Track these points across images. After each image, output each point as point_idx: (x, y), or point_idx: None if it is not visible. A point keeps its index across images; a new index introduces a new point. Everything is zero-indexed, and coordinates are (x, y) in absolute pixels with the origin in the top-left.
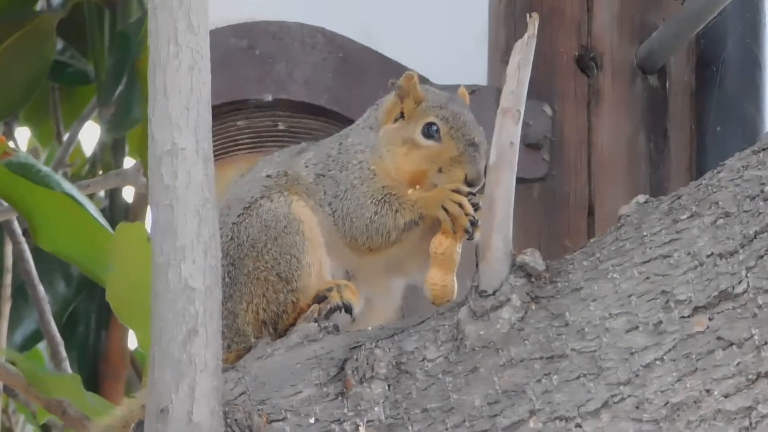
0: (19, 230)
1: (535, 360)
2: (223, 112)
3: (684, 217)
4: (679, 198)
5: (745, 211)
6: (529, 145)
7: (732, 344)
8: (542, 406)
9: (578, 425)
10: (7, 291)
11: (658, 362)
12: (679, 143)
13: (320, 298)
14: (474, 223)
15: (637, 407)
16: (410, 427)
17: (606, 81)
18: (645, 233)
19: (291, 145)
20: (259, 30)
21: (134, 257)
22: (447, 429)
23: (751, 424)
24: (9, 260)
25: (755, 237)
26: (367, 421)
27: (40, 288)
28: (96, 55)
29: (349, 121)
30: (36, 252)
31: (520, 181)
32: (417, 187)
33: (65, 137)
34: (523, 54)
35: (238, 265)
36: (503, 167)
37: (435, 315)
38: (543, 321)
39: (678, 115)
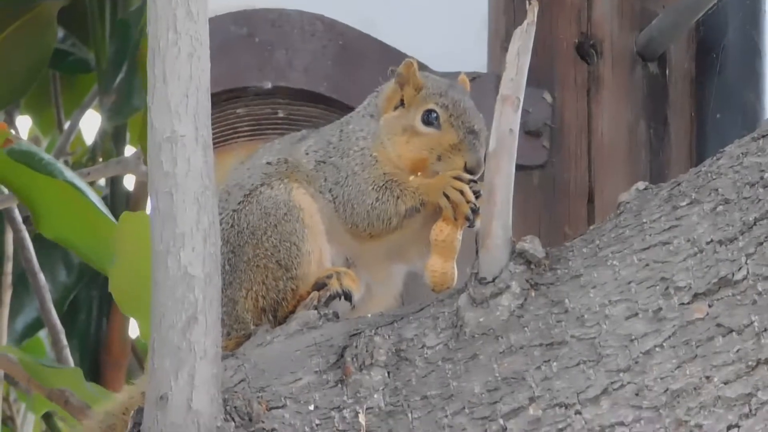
0: (19, 218)
1: (535, 347)
2: (222, 99)
3: (684, 203)
4: (678, 185)
5: (745, 198)
6: (528, 133)
7: (732, 331)
8: (542, 393)
9: (578, 412)
10: (8, 279)
11: (657, 349)
12: (679, 130)
13: (320, 286)
14: (475, 211)
15: (637, 394)
16: (410, 414)
17: (606, 68)
18: (645, 220)
19: (290, 132)
20: (259, 17)
21: (137, 247)
22: (447, 416)
23: (750, 410)
24: (10, 248)
25: (755, 224)
26: (367, 408)
27: (41, 276)
28: (97, 43)
29: (349, 109)
30: (37, 240)
31: (519, 168)
32: (418, 174)
33: (66, 125)
34: (523, 41)
35: (237, 252)
36: (503, 154)
37: (435, 302)
38: (542, 308)
39: (678, 102)
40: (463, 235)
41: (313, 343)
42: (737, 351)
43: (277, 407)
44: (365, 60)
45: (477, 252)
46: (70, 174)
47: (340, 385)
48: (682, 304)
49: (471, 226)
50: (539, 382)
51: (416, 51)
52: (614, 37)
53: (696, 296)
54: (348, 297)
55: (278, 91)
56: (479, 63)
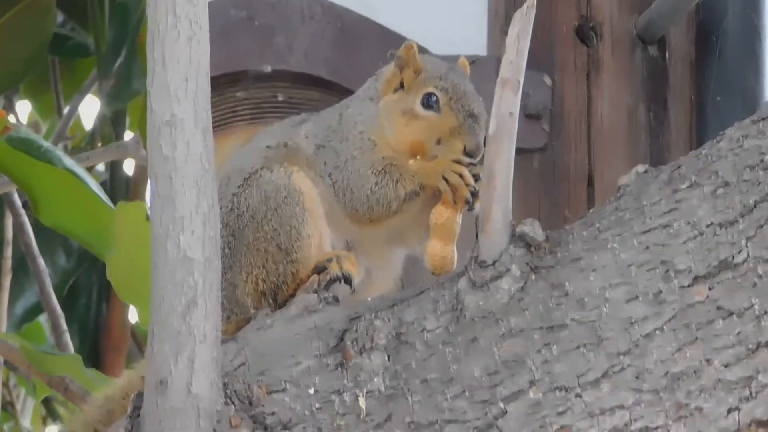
0: (19, 203)
1: (535, 330)
2: (222, 83)
3: (684, 186)
4: (678, 168)
5: (745, 181)
6: (528, 116)
7: (732, 314)
8: (542, 377)
9: (578, 395)
10: (8, 264)
11: (657, 332)
12: (679, 113)
13: (320, 269)
14: (474, 194)
15: (637, 377)
16: (410, 398)
17: (606, 51)
18: (644, 203)
19: (290, 116)
20: (258, 1)
21: (134, 236)
22: (447, 399)
23: (751, 393)
24: (9, 233)
25: (755, 206)
26: (367, 392)
27: (41, 261)
28: (96, 27)
29: (349, 92)
30: (36, 225)
31: (519, 151)
32: (417, 157)
33: (65, 110)
34: (523, 24)
35: (237, 236)
36: (503, 138)
37: (434, 286)
38: (542, 291)
39: (678, 85)
40: (462, 218)
41: (313, 327)
42: (737, 334)
43: (277, 391)
44: (364, 43)
45: (477, 235)
46: (69, 161)
47: (340, 369)
48: (683, 287)
49: (470, 209)
50: (539, 365)
51: (415, 34)
52: (614, 20)
53: (696, 279)
54: (348, 281)
55: (278, 75)
56: (479, 46)
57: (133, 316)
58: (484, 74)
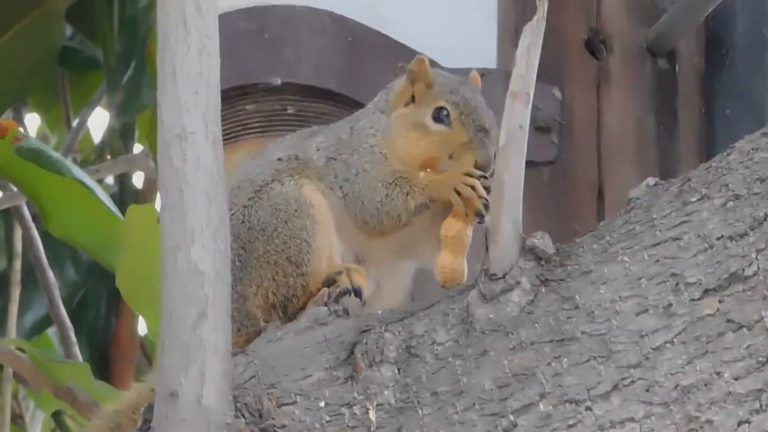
0: (28, 215)
1: (545, 343)
2: (232, 96)
3: (694, 199)
4: (688, 180)
5: (755, 194)
6: (538, 128)
7: (742, 326)
8: (552, 389)
9: (588, 408)
10: (17, 276)
11: (668, 345)
12: (689, 126)
13: (330, 282)
14: (487, 206)
15: (648, 390)
16: (420, 411)
17: (615, 64)
18: (655, 216)
19: (300, 129)
20: (268, 14)
21: (145, 240)
22: (457, 412)
23: (761, 406)
24: (19, 245)
25: (765, 219)
26: (377, 405)
27: (50, 273)
28: (105, 40)
29: (358, 105)
30: (45, 237)
31: (529, 164)
32: (428, 170)
33: (74, 123)
34: (533, 37)
35: (248, 248)
36: (512, 150)
37: (445, 298)
38: (553, 304)
39: (687, 97)
40: (473, 231)
41: (324, 340)
42: (748, 347)
43: (288, 404)
44: (374, 56)
45: (487, 248)
46: (78, 172)
47: (350, 382)
48: (693, 299)
49: (481, 222)
50: (550, 378)
51: (425, 47)
52: (623, 33)
53: (706, 292)
54: (358, 293)
55: (288, 88)
56: (488, 59)
57: (141, 328)
58: (493, 87)
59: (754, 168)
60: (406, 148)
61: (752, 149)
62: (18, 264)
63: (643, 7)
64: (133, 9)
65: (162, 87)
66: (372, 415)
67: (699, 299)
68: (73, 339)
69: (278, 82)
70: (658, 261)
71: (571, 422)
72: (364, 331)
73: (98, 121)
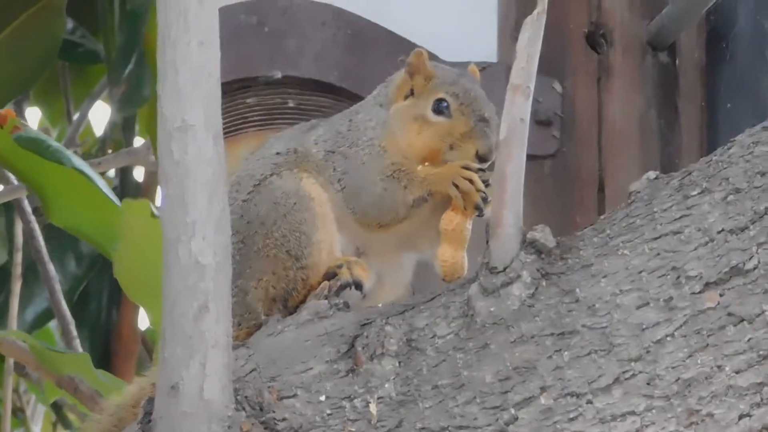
0: (29, 209)
1: (546, 336)
2: (232, 89)
3: (695, 193)
4: (689, 174)
5: (756, 187)
6: (539, 122)
7: (743, 320)
8: (553, 383)
9: (589, 401)
10: (18, 269)
11: (669, 338)
12: (690, 119)
13: (330, 275)
14: (485, 200)
15: (649, 383)
16: (421, 404)
17: (616, 57)
18: (656, 209)
19: (301, 122)
20: (269, 7)
21: (140, 234)
22: (458, 405)
23: (762, 399)
24: (19, 239)
25: (766, 213)
26: (378, 398)
27: (51, 266)
28: (106, 34)
29: (359, 98)
30: (46, 230)
31: (530, 157)
32: (426, 163)
33: (75, 117)
34: (533, 30)
35: (248, 242)
36: (514, 144)
37: (445, 291)
38: (553, 297)
39: (688, 91)
40: (473, 224)
41: (324, 333)
42: (748, 340)
43: (288, 397)
44: (375, 49)
45: (488, 241)
46: (78, 161)
47: (351, 375)
48: (694, 293)
49: (480, 215)
50: (550, 371)
51: (425, 40)
52: (624, 26)
53: (707, 285)
54: (358, 286)
55: (288, 81)
56: (489, 52)
57: (143, 321)
58: (494, 81)
59: (755, 161)
60: (406, 140)
61: (753, 143)
62: (19, 257)
63: (643, 0)
64: (134, 2)
65: (163, 79)
66: (373, 408)
67: (700, 293)
68: (74, 332)
69: (279, 75)
70: (658, 254)
71: (572, 415)
72: (365, 324)
73: (99, 115)
